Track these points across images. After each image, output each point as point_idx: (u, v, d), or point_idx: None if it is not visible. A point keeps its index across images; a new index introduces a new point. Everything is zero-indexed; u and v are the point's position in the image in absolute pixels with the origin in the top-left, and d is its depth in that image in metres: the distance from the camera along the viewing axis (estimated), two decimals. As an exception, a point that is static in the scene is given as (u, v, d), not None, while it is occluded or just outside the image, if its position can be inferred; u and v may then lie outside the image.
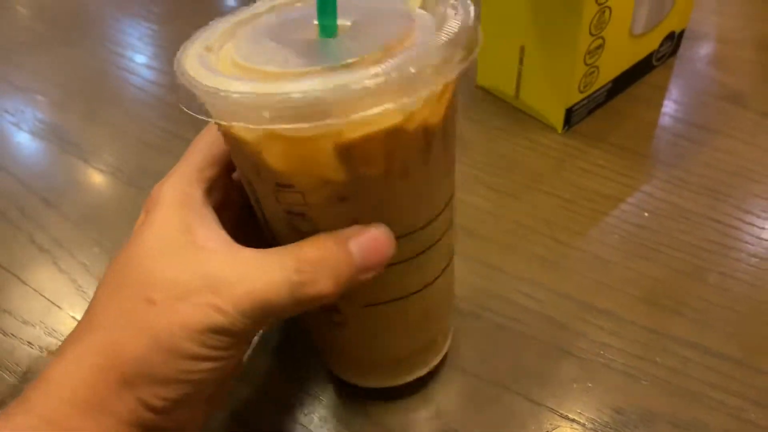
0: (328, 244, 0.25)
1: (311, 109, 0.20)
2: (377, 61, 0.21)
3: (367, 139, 0.22)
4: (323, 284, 0.24)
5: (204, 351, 0.24)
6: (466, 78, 0.54)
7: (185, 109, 0.23)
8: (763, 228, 0.42)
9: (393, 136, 0.22)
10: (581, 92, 0.47)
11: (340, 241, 0.25)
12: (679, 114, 0.51)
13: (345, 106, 0.20)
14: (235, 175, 0.30)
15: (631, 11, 0.46)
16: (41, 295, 0.41)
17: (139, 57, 0.61)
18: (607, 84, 0.49)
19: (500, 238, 0.43)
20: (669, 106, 0.52)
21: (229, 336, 0.24)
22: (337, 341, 0.32)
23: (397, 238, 0.26)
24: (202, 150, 0.28)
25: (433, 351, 0.35)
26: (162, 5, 0.68)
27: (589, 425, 0.33)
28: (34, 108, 0.56)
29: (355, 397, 0.35)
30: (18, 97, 0.57)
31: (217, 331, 0.24)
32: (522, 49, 0.47)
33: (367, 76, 0.20)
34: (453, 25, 0.22)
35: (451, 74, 0.22)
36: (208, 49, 0.25)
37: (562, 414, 0.34)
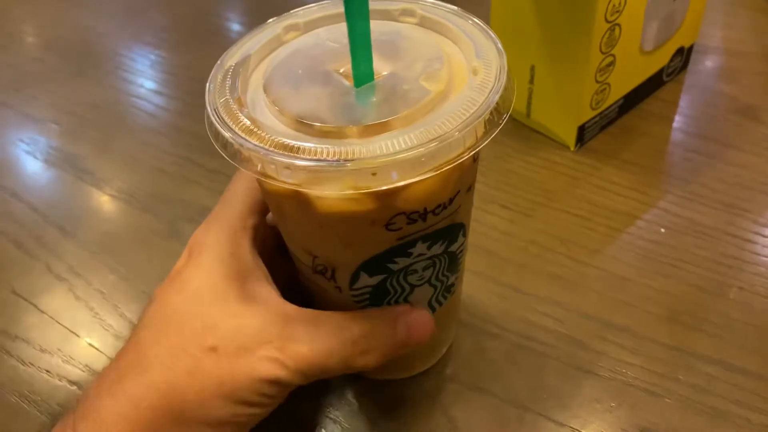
0: (380, 321, 0.27)
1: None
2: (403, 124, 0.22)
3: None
4: (372, 358, 0.27)
5: (257, 398, 0.26)
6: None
7: (230, 161, 0.23)
8: (781, 241, 0.42)
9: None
10: (593, 109, 0.47)
11: (390, 319, 0.27)
12: (690, 128, 0.51)
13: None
14: (268, 218, 0.31)
15: (640, 28, 0.46)
16: (58, 323, 0.41)
17: (149, 84, 0.61)
18: (618, 100, 0.49)
19: (516, 257, 0.42)
20: (680, 121, 0.52)
21: (283, 387, 0.26)
22: None
23: None
24: (243, 198, 0.29)
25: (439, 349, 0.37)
26: (171, 33, 0.69)
27: (614, 446, 0.33)
28: (48, 137, 0.56)
29: (372, 415, 0.35)
30: (32, 127, 0.58)
31: (276, 383, 0.26)
32: (532, 69, 0.48)
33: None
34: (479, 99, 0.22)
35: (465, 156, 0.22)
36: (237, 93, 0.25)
37: (585, 435, 0.33)
